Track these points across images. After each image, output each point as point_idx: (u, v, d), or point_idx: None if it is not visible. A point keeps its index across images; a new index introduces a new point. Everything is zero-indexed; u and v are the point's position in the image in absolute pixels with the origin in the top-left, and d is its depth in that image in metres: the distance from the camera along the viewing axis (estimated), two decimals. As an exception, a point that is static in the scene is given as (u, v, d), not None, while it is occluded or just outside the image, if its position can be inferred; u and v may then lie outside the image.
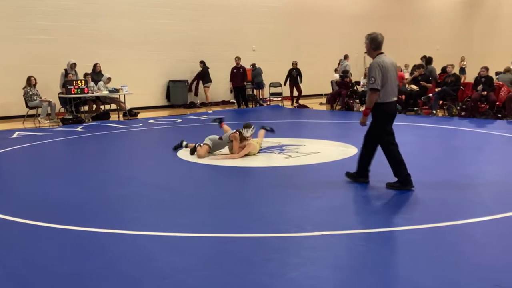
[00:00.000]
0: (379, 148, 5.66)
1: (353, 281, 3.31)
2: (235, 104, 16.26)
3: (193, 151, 7.64)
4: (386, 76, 5.35)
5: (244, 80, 15.87)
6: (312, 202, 5.19)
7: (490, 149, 8.21)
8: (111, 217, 4.78)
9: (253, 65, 16.65)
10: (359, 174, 5.83)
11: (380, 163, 5.73)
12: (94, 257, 3.78)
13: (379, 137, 5.60)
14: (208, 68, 16.27)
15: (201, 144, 7.59)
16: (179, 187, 5.88)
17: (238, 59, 15.57)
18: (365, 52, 5.75)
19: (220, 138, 7.74)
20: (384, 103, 5.42)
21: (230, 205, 5.22)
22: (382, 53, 5.50)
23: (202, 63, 16.23)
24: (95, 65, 13.68)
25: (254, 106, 16.47)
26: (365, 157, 5.77)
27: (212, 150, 7.67)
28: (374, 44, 5.52)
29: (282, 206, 5.06)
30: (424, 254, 3.73)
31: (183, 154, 7.85)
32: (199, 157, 7.44)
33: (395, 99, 5.56)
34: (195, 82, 16.58)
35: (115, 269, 3.58)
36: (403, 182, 5.50)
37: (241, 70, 15.61)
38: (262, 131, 8.33)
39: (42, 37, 13.69)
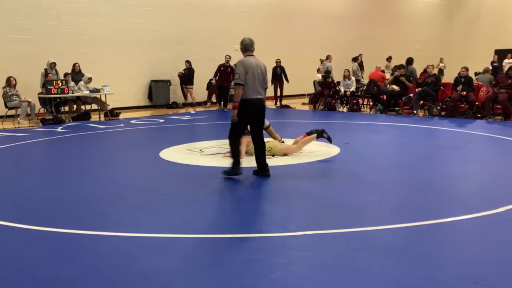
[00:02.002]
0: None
1: (337, 280, 3.32)
2: (217, 104, 16.03)
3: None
4: (248, 75, 5.89)
5: (231, 80, 15.63)
6: (295, 202, 5.20)
7: (470, 149, 8.32)
8: (91, 219, 4.73)
9: (235, 65, 16.59)
10: (262, 170, 6.21)
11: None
12: (75, 260, 3.73)
13: (232, 128, 6.09)
14: (194, 71, 16.19)
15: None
16: (160, 188, 5.84)
17: (228, 57, 15.08)
18: None
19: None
20: (244, 100, 5.92)
21: (212, 205, 5.20)
22: (251, 55, 6.11)
23: (188, 63, 16.12)
24: (74, 65, 13.52)
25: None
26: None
27: None
28: (242, 47, 6.17)
29: (265, 206, 5.06)
30: (406, 253, 3.77)
31: (165, 154, 7.80)
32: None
33: (259, 96, 6.00)
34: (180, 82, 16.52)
35: (96, 271, 3.53)
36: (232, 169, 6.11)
37: (229, 69, 15.10)
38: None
39: (22, 36, 13.48)
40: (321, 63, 17.57)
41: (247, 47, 6.12)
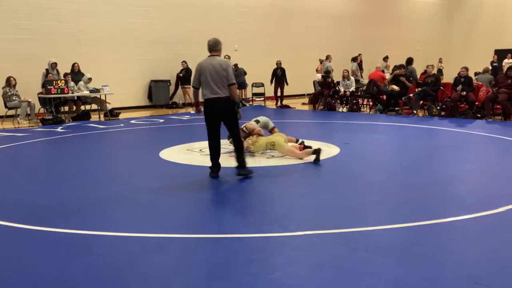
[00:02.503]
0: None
1: (337, 280, 3.32)
2: None
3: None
4: (202, 76, 6.05)
5: None
6: (295, 201, 5.20)
7: (469, 149, 8.32)
8: (91, 219, 4.73)
9: (235, 65, 16.61)
10: (239, 168, 6.25)
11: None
12: (75, 260, 3.73)
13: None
14: (191, 71, 16.19)
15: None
16: (160, 188, 5.84)
17: (227, 57, 14.84)
18: None
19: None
20: (203, 100, 6.12)
21: (211, 205, 5.20)
22: (213, 55, 6.16)
23: (185, 63, 16.12)
24: (73, 65, 13.52)
25: (236, 106, 16.40)
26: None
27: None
28: (207, 48, 6.23)
29: (265, 206, 5.05)
30: (406, 253, 3.77)
31: (165, 154, 7.80)
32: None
33: (215, 96, 6.01)
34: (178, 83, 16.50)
35: (96, 271, 3.53)
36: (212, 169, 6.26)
37: None
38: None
39: (22, 36, 13.50)
40: (320, 63, 17.57)
41: (210, 48, 6.20)
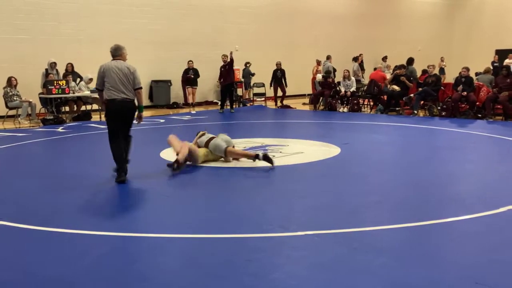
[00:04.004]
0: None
1: (337, 280, 3.32)
2: (219, 105, 15.14)
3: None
4: (107, 77, 6.04)
5: (233, 78, 14.82)
6: (296, 202, 5.20)
7: (470, 149, 8.31)
8: (92, 219, 4.73)
9: (246, 63, 16.56)
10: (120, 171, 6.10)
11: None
12: (75, 260, 3.73)
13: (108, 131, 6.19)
14: (197, 70, 16.22)
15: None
16: (160, 188, 5.84)
17: (224, 56, 14.63)
18: None
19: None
20: (108, 101, 6.05)
21: (212, 205, 5.19)
22: (117, 59, 6.17)
23: (192, 62, 16.17)
24: (67, 65, 13.47)
25: (237, 106, 16.43)
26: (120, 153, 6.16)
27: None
28: (110, 53, 6.28)
29: (265, 206, 5.05)
30: (406, 253, 3.76)
31: (165, 154, 7.80)
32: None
33: (123, 96, 6.01)
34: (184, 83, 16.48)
35: (96, 271, 3.53)
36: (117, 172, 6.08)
37: (227, 67, 14.52)
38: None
39: (21, 36, 13.50)
40: (318, 64, 17.55)
41: (112, 54, 6.23)
